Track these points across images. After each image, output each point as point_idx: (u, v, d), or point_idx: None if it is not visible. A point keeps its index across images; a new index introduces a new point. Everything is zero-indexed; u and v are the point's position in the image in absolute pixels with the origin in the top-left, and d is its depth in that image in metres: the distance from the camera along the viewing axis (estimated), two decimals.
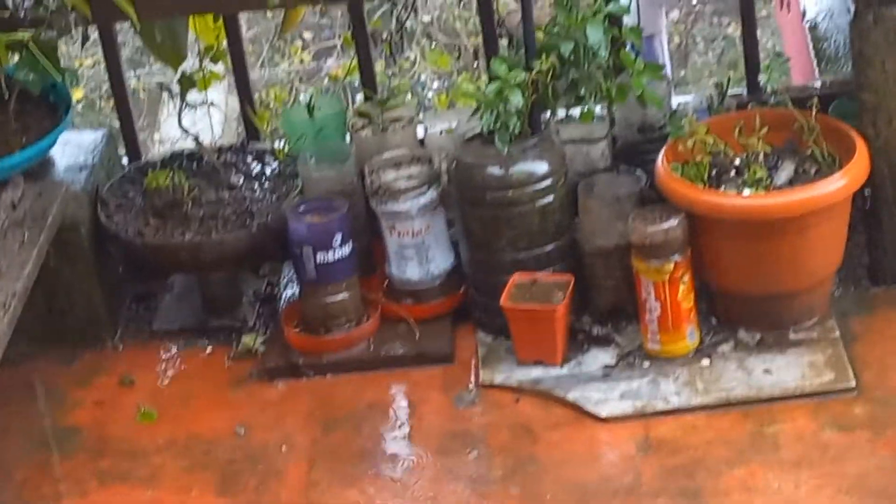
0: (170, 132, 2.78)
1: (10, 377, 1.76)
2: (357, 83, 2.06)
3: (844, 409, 1.55)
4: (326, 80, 3.54)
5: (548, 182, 1.64)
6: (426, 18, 3.52)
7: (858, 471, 1.45)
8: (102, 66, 2.44)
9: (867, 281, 1.80)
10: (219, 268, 1.80)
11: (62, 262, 1.77)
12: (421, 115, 2.04)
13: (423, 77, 3.79)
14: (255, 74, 2.48)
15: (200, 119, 2.06)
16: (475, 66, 2.10)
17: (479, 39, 2.13)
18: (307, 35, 3.91)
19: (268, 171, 1.88)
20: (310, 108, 1.81)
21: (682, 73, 4.25)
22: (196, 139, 1.85)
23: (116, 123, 2.18)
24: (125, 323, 1.91)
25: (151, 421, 1.70)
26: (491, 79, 1.65)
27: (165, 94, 2.01)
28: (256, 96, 2.22)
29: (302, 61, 4.01)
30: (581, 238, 1.70)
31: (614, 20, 1.71)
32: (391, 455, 1.63)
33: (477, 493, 1.51)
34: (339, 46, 3.49)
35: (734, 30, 3.08)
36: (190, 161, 1.91)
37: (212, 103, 1.95)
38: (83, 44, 1.94)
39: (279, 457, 1.62)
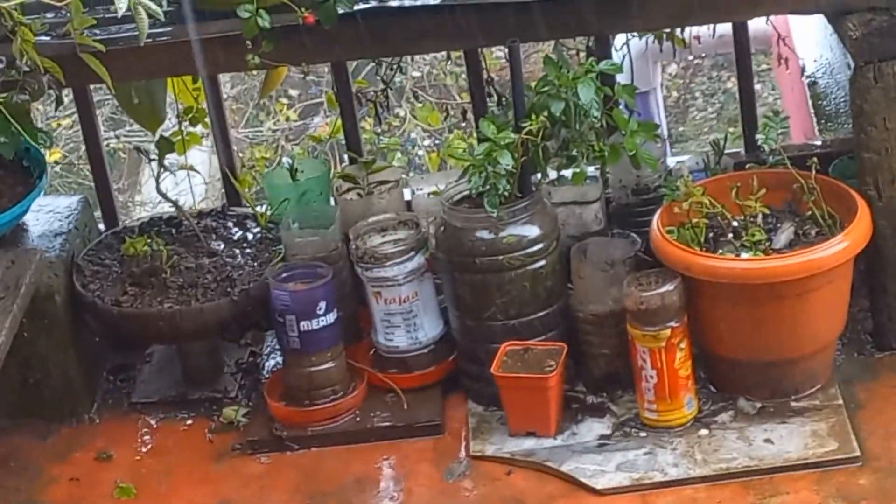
0: (151, 194, 2.73)
1: None
2: (344, 142, 2.02)
3: (849, 479, 1.50)
4: (311, 140, 3.51)
5: (539, 246, 1.60)
6: (416, 74, 3.49)
7: None
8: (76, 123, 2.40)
9: (871, 346, 1.75)
10: (199, 337, 1.73)
11: (37, 333, 1.71)
12: (408, 177, 2.01)
13: (412, 134, 3.76)
14: (238, 133, 2.44)
15: (181, 181, 2.02)
16: (465, 123, 2.07)
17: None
18: (293, 92, 3.85)
19: (249, 236, 1.82)
20: (292, 172, 1.76)
21: (681, 128, 4.21)
22: (175, 204, 1.79)
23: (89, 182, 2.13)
24: (103, 395, 1.85)
25: (130, 497, 1.65)
26: (479, 139, 1.60)
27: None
28: (240, 157, 2.17)
29: (287, 119, 3.94)
30: (574, 304, 1.64)
31: (606, 78, 1.67)
32: None
33: None
34: (325, 104, 3.42)
35: (734, 84, 3.12)
36: (169, 226, 1.85)
37: (191, 167, 1.90)
38: (58, 105, 1.89)
39: None
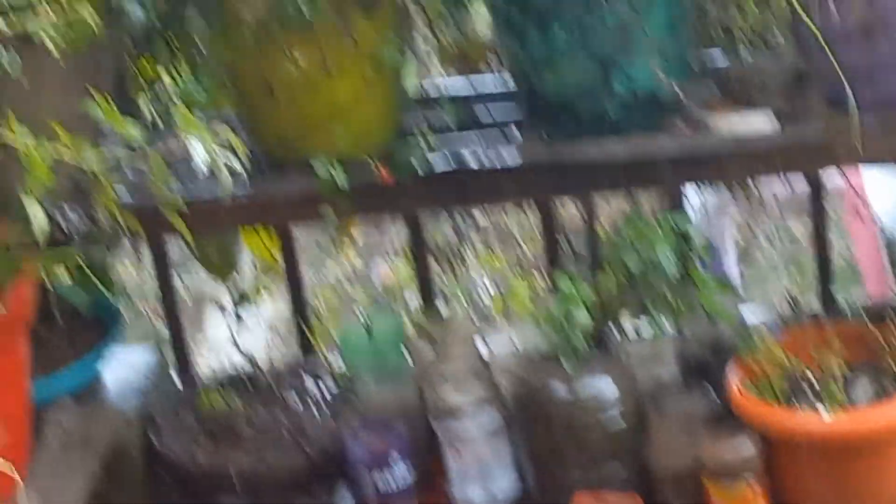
0: (217, 338, 2.75)
1: None
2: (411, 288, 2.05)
3: None
4: (379, 288, 3.56)
5: (615, 402, 1.57)
6: (484, 223, 3.53)
7: None
8: (146, 272, 2.43)
9: None
10: (275, 492, 1.71)
11: (113, 488, 1.66)
12: (481, 329, 2.02)
13: (481, 282, 3.76)
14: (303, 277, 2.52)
15: (252, 329, 2.04)
16: (536, 273, 2.11)
17: (540, 245, 2.13)
18: (357, 234, 3.89)
19: (324, 390, 1.81)
20: (367, 329, 1.78)
21: (748, 275, 4.17)
22: (252, 361, 1.81)
23: (163, 331, 2.13)
24: None
25: None
26: (554, 294, 1.62)
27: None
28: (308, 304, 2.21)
29: (351, 263, 3.98)
30: (650, 459, 1.60)
31: (682, 233, 1.69)
32: None
33: None
34: (390, 247, 3.50)
35: (803, 231, 3.12)
36: (243, 380, 1.84)
37: (264, 318, 1.93)
38: (139, 259, 1.94)
39: None
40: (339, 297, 3.63)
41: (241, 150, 1.34)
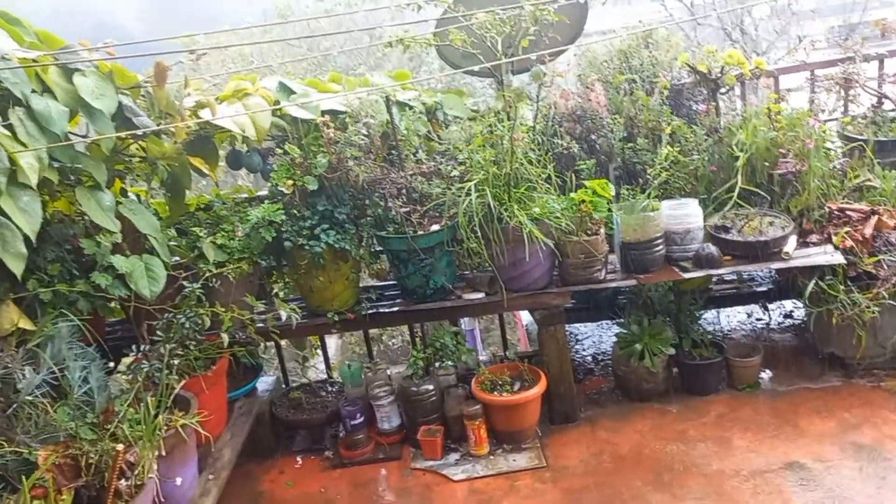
0: (295, 371, 5.12)
1: None
2: (364, 355, 4.43)
3: (540, 474, 3.67)
4: (355, 355, 6.06)
5: (433, 391, 3.90)
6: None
7: None
8: (271, 350, 4.85)
9: (549, 422, 3.89)
10: (315, 429, 4.06)
11: (259, 430, 4.01)
12: (389, 367, 4.41)
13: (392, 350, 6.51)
14: (329, 350, 4.88)
15: (312, 368, 4.41)
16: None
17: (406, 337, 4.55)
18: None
19: (333, 390, 4.19)
20: (350, 367, 4.16)
21: (486, 343, 7.15)
22: (309, 384, 4.25)
23: (278, 371, 4.54)
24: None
25: None
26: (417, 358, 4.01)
27: None
28: (331, 360, 4.61)
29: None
30: (445, 411, 3.93)
31: (457, 333, 4.09)
32: None
33: None
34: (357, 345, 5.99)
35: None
36: (304, 386, 4.23)
37: (313, 365, 4.34)
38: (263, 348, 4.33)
39: None
40: (341, 356, 6.06)
41: (298, 310, 3.73)
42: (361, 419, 3.78)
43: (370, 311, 3.76)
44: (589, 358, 4.55)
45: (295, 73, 5.13)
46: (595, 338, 4.76)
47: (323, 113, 3.68)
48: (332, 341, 6.20)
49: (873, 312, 3.52)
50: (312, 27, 10.80)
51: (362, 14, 10.50)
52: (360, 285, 3.88)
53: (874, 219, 3.62)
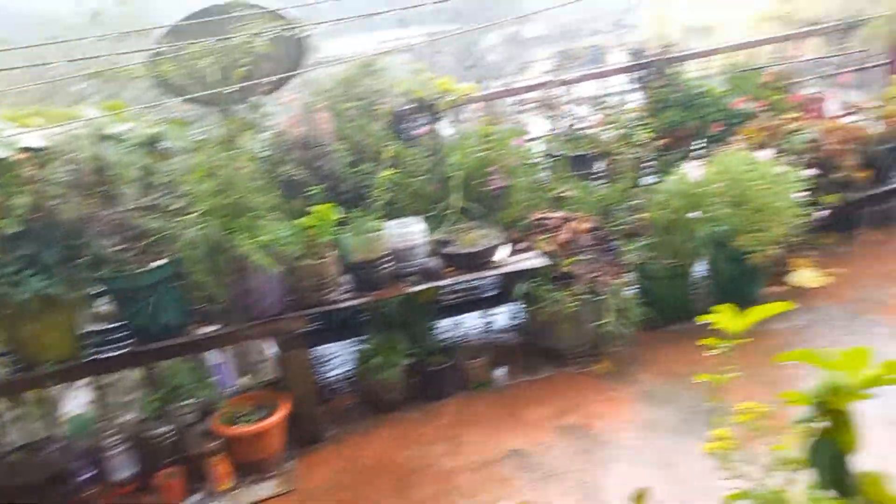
0: None
1: None
2: None
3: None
4: None
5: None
6: None
7: None
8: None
9: (306, 442, 3.86)
10: None
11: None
12: None
13: None
14: None
15: None
16: None
17: None
18: None
19: None
20: None
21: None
22: None
23: None
24: None
25: None
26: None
27: None
28: None
29: None
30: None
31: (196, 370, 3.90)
32: None
33: None
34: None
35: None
36: None
37: None
38: None
39: None
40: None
41: (8, 364, 3.37)
42: (92, 473, 3.49)
43: (94, 357, 3.48)
44: (336, 377, 4.56)
45: (21, 104, 4.65)
46: (342, 357, 4.78)
47: (24, 150, 3.36)
48: (84, 392, 5.64)
49: (574, 307, 3.87)
50: (38, 55, 9.92)
51: (89, 42, 9.81)
52: (87, 330, 3.58)
53: (568, 225, 3.99)
